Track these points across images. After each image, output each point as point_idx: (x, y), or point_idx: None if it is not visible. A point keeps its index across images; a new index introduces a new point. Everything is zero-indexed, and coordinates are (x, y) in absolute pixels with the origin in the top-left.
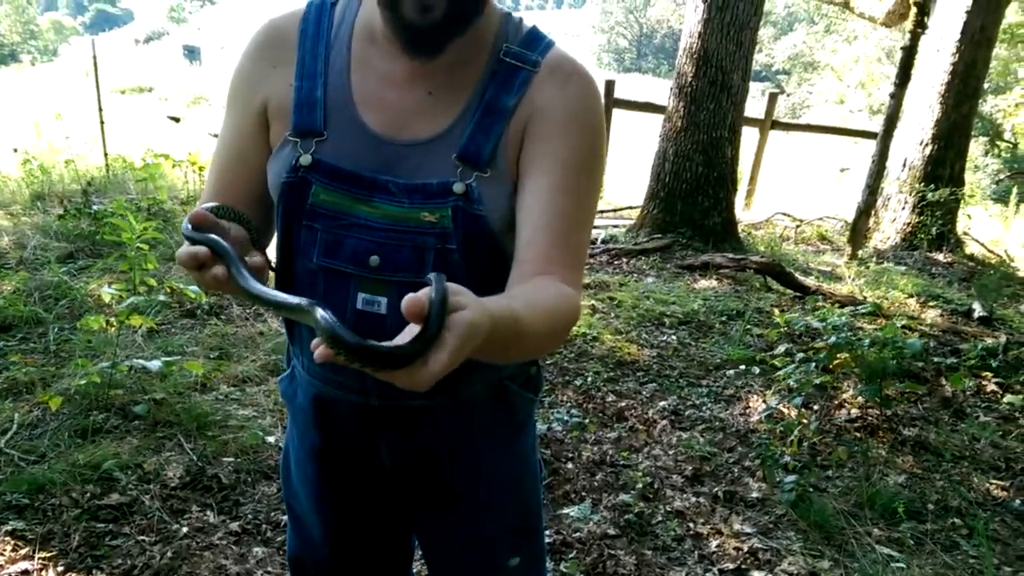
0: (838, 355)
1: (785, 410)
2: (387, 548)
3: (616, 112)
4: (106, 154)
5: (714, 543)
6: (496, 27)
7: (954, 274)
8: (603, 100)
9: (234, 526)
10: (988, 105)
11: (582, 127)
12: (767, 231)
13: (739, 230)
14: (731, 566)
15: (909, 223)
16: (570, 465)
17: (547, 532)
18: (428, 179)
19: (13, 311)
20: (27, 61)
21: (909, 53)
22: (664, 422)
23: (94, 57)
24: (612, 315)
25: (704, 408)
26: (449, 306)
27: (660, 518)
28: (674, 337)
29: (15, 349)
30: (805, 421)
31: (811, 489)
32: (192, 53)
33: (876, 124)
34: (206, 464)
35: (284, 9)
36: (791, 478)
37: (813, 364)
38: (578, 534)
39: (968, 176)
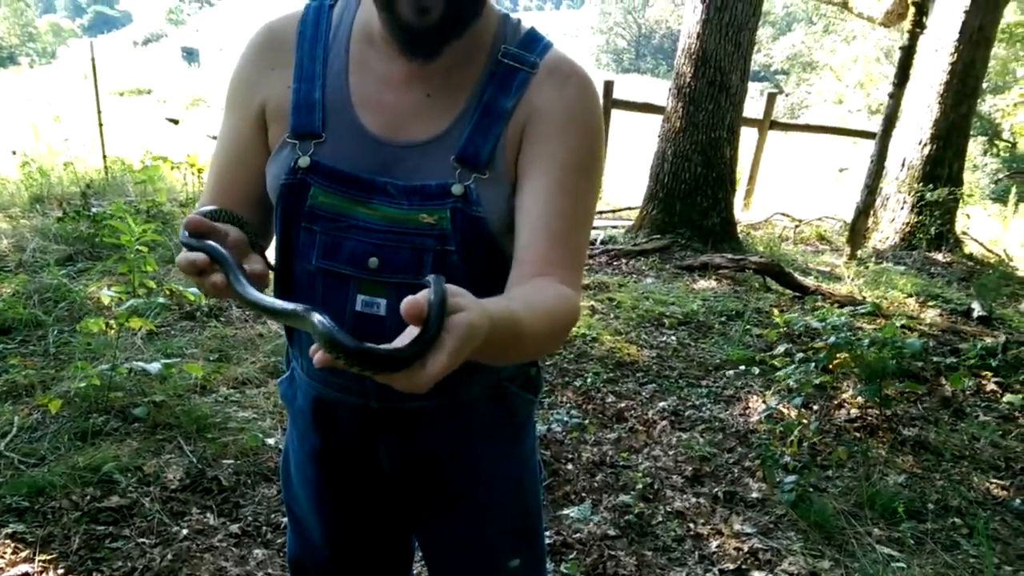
0: (838, 355)
1: (785, 410)
2: (387, 550)
3: (615, 113)
4: (105, 156)
5: (714, 543)
6: (494, 28)
7: (953, 274)
8: (602, 101)
9: (234, 528)
10: (987, 105)
11: (580, 128)
12: (766, 231)
13: (738, 230)
14: (731, 566)
15: (908, 223)
16: (570, 466)
17: (547, 533)
18: (426, 181)
19: (12, 314)
20: (25, 63)
21: (908, 53)
22: (664, 423)
23: (92, 59)
24: (611, 316)
25: (704, 408)
26: (448, 308)
27: (660, 519)
28: (673, 338)
29: (15, 352)
30: (805, 421)
31: (811, 489)
32: (191, 55)
33: (875, 124)
34: (206, 466)
35: (282, 11)
36: (791, 478)
37: (813, 364)
38: (578, 535)
39: (967, 176)
